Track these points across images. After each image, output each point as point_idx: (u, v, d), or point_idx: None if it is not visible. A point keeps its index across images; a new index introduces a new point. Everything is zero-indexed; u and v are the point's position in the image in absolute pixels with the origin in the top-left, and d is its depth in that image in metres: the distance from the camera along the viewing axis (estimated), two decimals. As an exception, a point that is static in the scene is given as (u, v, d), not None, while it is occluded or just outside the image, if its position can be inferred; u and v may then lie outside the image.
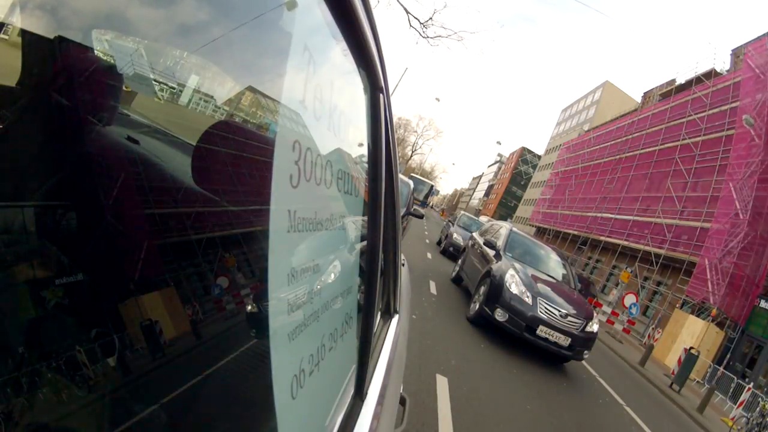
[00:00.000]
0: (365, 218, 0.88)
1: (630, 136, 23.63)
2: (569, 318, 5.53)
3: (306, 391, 0.55)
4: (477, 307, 5.90)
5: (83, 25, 0.28)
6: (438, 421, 3.09)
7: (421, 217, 9.28)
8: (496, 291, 5.58)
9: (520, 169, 65.45)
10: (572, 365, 6.39)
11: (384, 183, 0.87)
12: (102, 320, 0.30)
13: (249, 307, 0.46)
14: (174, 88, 0.37)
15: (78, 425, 0.29)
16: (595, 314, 6.16)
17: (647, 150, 21.62)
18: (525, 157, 66.13)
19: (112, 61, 0.30)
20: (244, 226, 0.46)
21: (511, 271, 5.72)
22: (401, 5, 12.82)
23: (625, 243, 20.30)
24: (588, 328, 5.68)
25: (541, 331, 5.38)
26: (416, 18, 13.25)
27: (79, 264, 0.29)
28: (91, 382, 0.29)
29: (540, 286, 5.75)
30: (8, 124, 0.26)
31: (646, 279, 18.63)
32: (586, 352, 5.80)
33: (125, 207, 0.32)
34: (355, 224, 0.85)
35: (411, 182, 9.33)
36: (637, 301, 13.63)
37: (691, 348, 9.52)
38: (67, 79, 0.28)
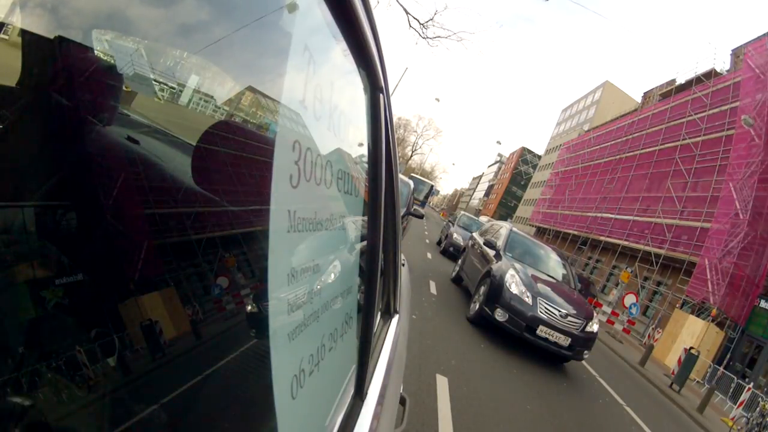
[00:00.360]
0: (365, 218, 0.88)
1: (630, 136, 23.62)
2: (569, 318, 5.53)
3: (306, 391, 0.55)
4: (477, 307, 5.90)
5: (83, 25, 0.28)
6: (438, 421, 3.09)
7: (421, 217, 9.29)
8: (496, 291, 5.58)
9: (520, 169, 65.43)
10: (572, 365, 6.39)
11: (384, 183, 0.87)
12: (102, 320, 0.30)
13: (249, 307, 0.46)
14: (174, 88, 0.36)
15: (78, 425, 0.29)
16: (595, 314, 6.15)
17: (647, 150, 21.61)
18: (525, 157, 66.11)
19: (112, 61, 0.30)
20: (244, 226, 0.46)
21: (511, 271, 5.72)
22: (401, 6, 12.84)
23: (625, 243, 20.29)
24: (588, 328, 5.68)
25: (541, 331, 5.38)
26: (416, 19, 13.28)
27: (79, 264, 0.29)
28: (91, 382, 0.29)
29: (540, 286, 5.75)
30: (8, 124, 0.26)
31: (646, 279, 18.62)
32: (586, 352, 5.80)
33: (125, 207, 0.32)
34: (355, 224, 0.85)
35: (411, 182, 9.34)
36: (637, 301, 13.63)
37: (691, 348, 9.52)
38: (67, 79, 0.28)
